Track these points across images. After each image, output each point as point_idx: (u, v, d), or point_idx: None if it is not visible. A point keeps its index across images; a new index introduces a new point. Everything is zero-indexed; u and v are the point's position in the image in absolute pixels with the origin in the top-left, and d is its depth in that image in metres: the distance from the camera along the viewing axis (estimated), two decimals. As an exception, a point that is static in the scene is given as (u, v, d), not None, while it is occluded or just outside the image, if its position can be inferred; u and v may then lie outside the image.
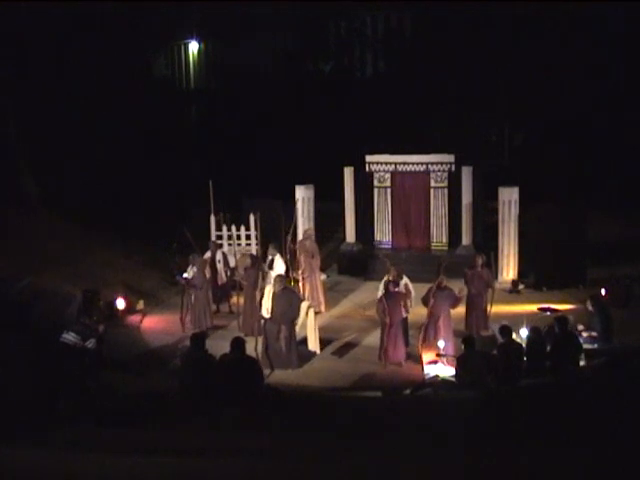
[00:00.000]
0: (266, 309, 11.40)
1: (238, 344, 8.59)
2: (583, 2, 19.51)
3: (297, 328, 11.66)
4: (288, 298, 11.36)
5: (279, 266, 13.49)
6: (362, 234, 17.08)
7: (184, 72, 28.06)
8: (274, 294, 11.35)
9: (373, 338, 12.15)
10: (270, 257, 13.62)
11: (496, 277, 15.35)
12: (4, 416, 6.54)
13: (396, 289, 11.58)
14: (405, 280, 12.28)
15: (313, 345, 11.87)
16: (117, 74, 20.29)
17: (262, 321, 11.53)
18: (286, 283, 11.94)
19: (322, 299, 14.36)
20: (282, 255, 13.74)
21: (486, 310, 12.62)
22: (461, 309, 12.69)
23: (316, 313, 14.03)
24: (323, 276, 16.29)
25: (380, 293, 11.99)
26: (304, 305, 11.61)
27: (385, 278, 12.24)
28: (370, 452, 6.03)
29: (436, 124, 21.56)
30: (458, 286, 12.17)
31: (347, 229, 17.18)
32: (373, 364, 11.49)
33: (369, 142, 17.88)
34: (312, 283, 14.19)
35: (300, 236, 15.29)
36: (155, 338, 12.83)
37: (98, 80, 19.36)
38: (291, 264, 14.31)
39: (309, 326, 11.82)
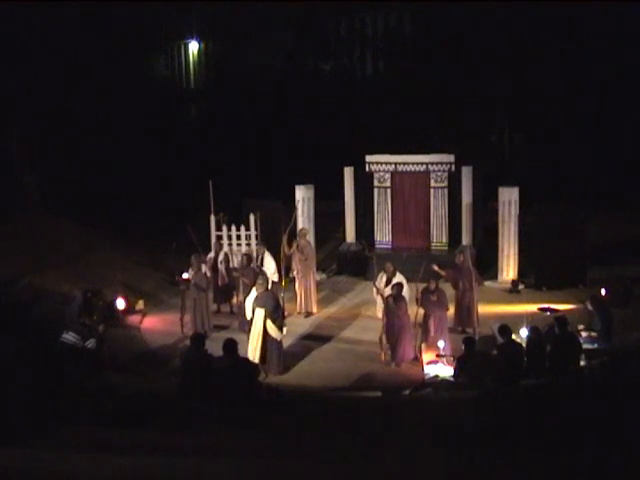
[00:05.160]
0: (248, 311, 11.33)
1: (228, 347, 8.61)
2: (583, 2, 19.49)
3: (284, 332, 11.32)
4: (266, 300, 11.10)
5: (268, 263, 13.47)
6: (362, 234, 17.07)
7: (184, 72, 28.08)
8: (256, 297, 11.16)
9: (372, 338, 12.10)
10: (260, 255, 13.60)
11: (496, 277, 15.57)
12: (4, 416, 6.53)
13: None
14: (399, 278, 12.28)
15: (252, 354, 10.92)
16: (117, 74, 20.30)
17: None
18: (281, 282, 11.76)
19: (314, 300, 14.31)
20: (280, 254, 13.70)
21: (472, 307, 12.58)
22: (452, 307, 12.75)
23: (309, 314, 14.13)
24: (323, 276, 16.31)
25: (386, 293, 11.96)
26: (260, 313, 10.97)
27: (380, 276, 12.33)
28: (370, 452, 6.03)
29: (436, 124, 21.54)
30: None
31: (347, 229, 17.17)
32: (373, 364, 11.48)
33: (369, 142, 17.86)
34: (306, 283, 14.13)
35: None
36: (155, 338, 12.82)
37: (98, 80, 19.38)
38: (288, 264, 14.26)
39: (255, 333, 11.04)
